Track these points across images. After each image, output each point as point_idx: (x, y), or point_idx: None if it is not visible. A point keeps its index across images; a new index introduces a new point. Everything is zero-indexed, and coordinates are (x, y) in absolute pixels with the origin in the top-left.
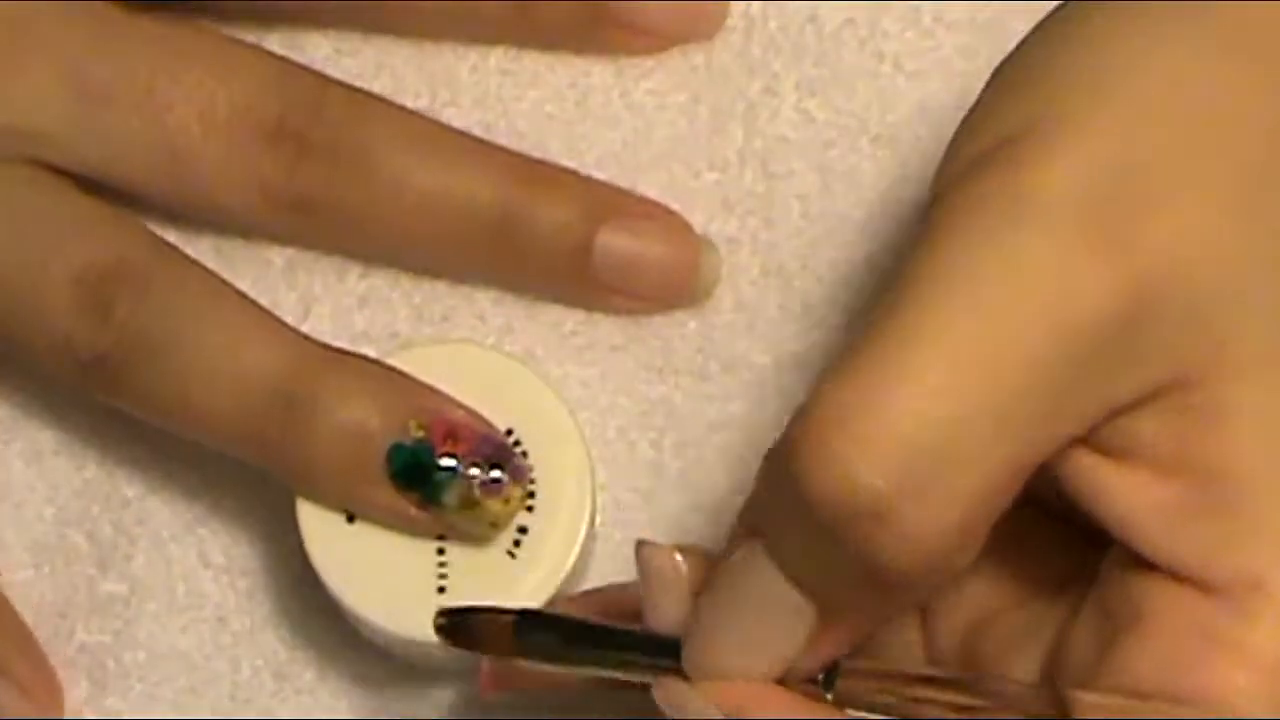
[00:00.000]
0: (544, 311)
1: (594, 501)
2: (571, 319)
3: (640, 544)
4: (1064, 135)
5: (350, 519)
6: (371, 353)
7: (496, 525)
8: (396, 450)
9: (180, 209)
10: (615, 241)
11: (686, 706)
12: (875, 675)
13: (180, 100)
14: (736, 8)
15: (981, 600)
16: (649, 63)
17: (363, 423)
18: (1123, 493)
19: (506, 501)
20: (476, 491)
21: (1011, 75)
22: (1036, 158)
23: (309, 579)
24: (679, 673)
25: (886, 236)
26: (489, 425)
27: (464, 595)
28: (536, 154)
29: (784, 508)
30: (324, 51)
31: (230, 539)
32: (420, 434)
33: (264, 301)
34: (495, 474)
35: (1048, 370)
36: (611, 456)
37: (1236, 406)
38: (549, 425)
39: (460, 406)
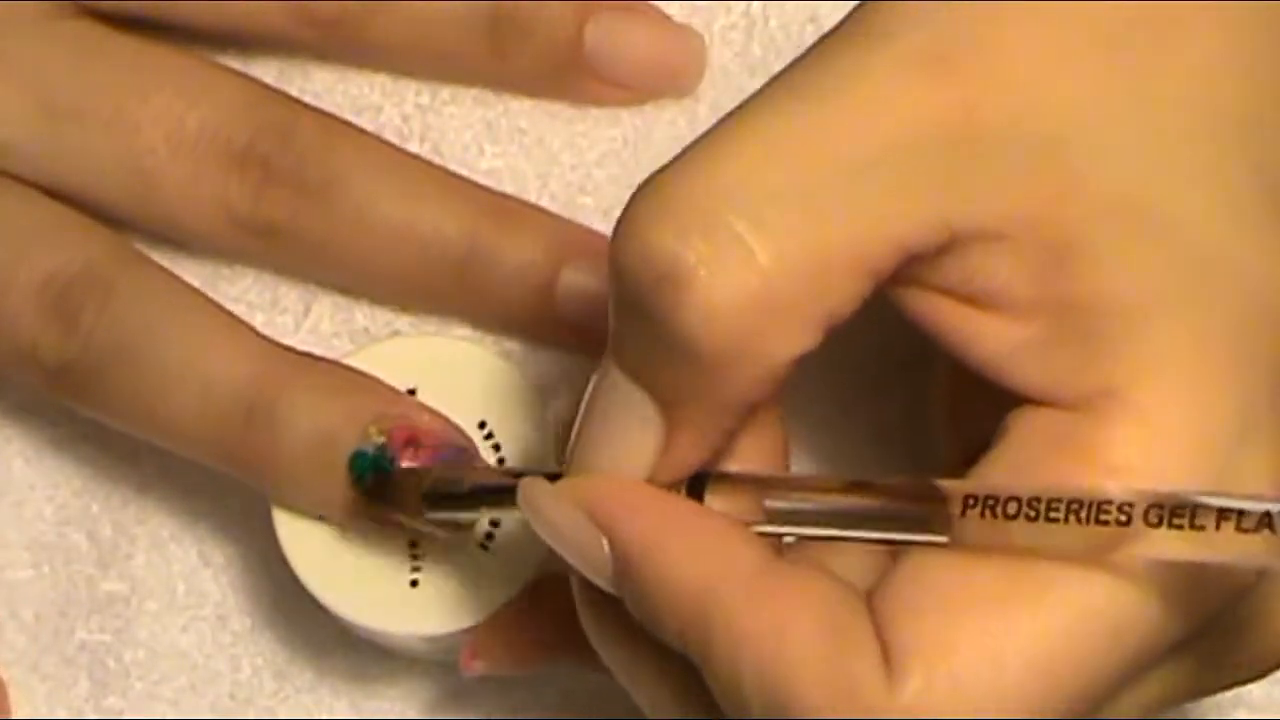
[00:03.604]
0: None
1: None
2: None
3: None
4: None
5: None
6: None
7: (460, 528)
8: (357, 457)
9: (146, 229)
10: (578, 280)
11: (546, 506)
12: (746, 480)
13: (148, 121)
14: (736, 7)
15: None
16: None
17: (325, 430)
18: (987, 335)
19: None
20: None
21: None
22: (885, 3)
23: None
24: None
25: None
26: (452, 429)
27: (437, 587)
28: (536, 152)
29: (612, 300)
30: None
31: (230, 538)
32: (381, 439)
33: (265, 298)
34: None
35: (864, 166)
36: None
37: (1088, 245)
38: (522, 417)
39: (424, 410)
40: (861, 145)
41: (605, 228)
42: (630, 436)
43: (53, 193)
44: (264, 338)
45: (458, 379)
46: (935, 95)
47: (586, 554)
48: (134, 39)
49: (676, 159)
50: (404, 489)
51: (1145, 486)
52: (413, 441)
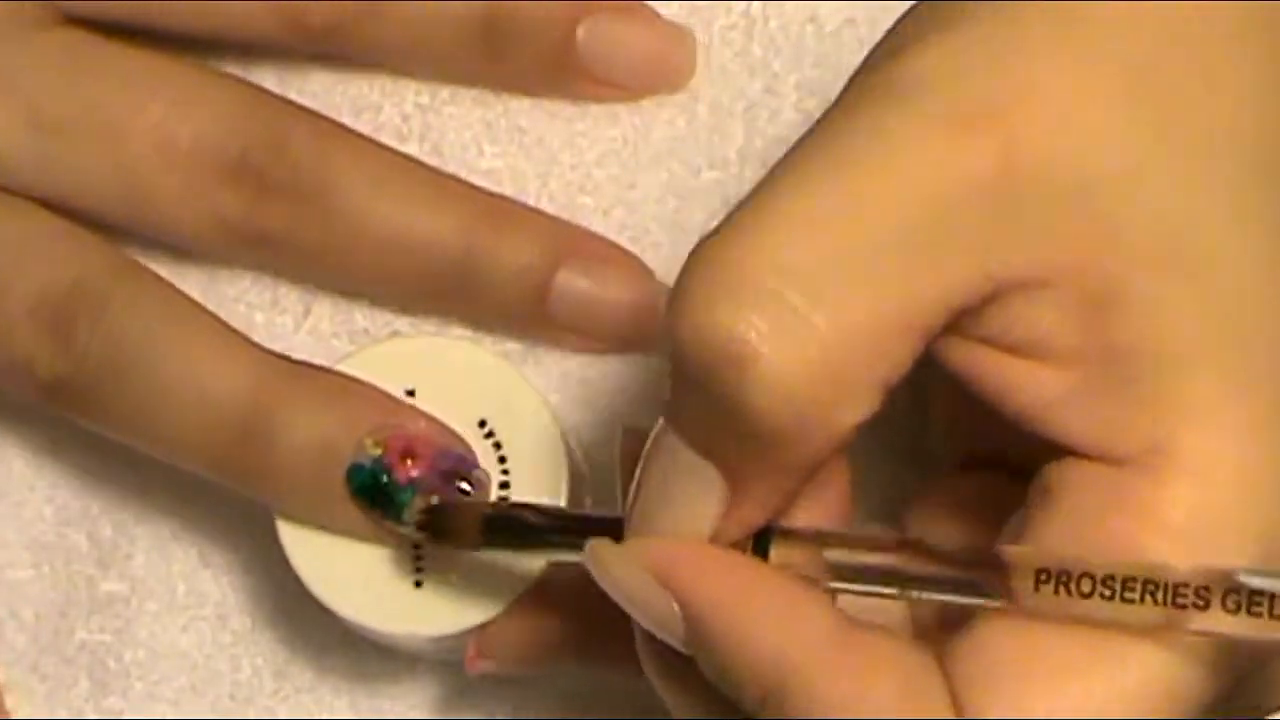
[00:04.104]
0: None
1: (575, 489)
2: None
3: (625, 429)
4: (946, 28)
5: None
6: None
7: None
8: (355, 470)
9: (141, 236)
10: (574, 283)
11: (615, 568)
12: (810, 537)
13: (139, 135)
14: (736, 8)
15: None
16: None
17: (321, 444)
18: (1029, 385)
19: None
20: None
21: None
22: (914, 47)
23: None
24: None
25: None
26: (449, 435)
27: (441, 587)
28: (536, 152)
29: (671, 372)
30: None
31: (231, 538)
32: (377, 451)
33: (264, 298)
34: (457, 488)
35: (910, 228)
36: (610, 456)
37: (1134, 293)
38: (524, 416)
39: (421, 416)
40: (906, 208)
41: (605, 228)
42: (693, 499)
43: (45, 204)
44: (258, 347)
45: (457, 379)
46: (974, 151)
47: (658, 617)
48: (123, 47)
49: (723, 228)
50: (463, 522)
51: (1207, 555)
52: (409, 452)
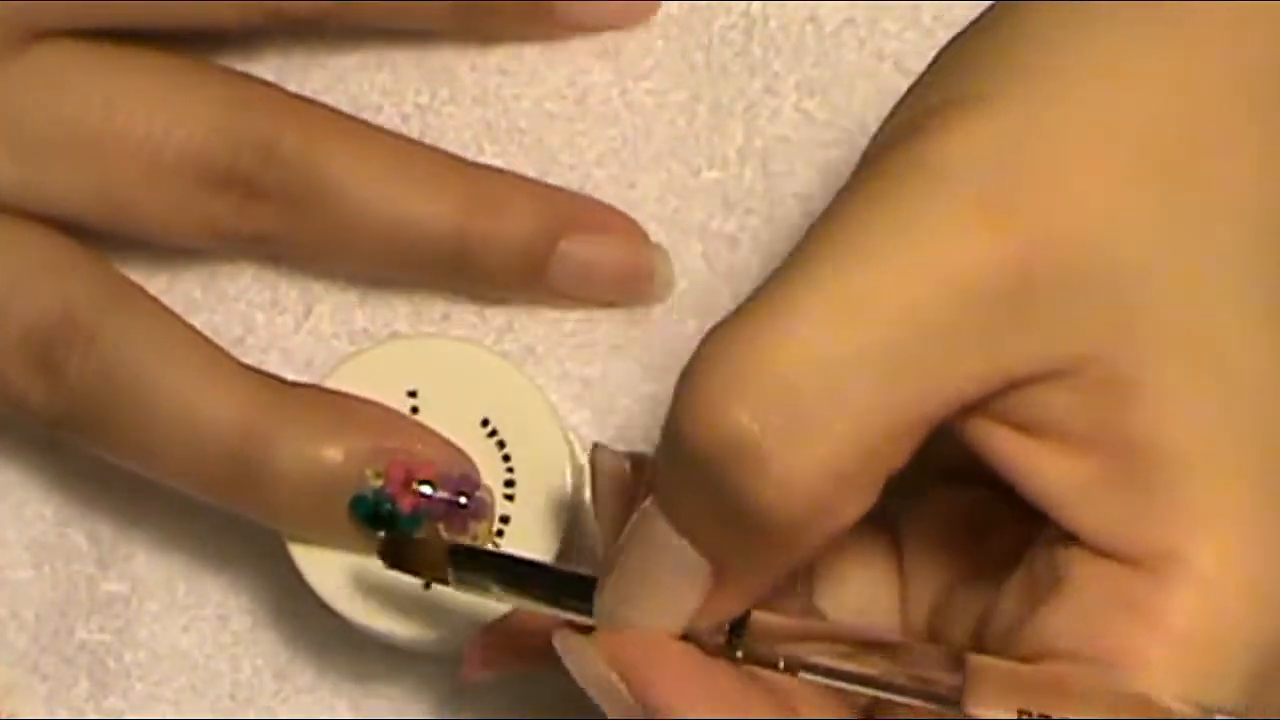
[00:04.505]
0: (544, 310)
1: (578, 486)
2: (571, 318)
3: (595, 447)
4: (969, 109)
5: None
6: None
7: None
8: (358, 501)
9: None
10: (572, 255)
11: (581, 662)
12: (781, 632)
13: (124, 156)
14: (736, 8)
15: (945, 576)
16: (648, 61)
17: (321, 480)
18: (1041, 468)
19: (474, 538)
20: (442, 534)
21: (944, 58)
22: (940, 128)
23: None
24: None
25: None
26: (452, 453)
27: (449, 590)
28: (536, 152)
29: (669, 458)
30: (323, 48)
31: (231, 538)
32: (379, 483)
33: (265, 298)
34: (459, 507)
35: (929, 325)
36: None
37: (1148, 384)
38: (526, 414)
39: (422, 434)
40: (926, 304)
41: None
42: (673, 589)
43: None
44: (251, 372)
45: (458, 379)
46: (996, 245)
47: (623, 710)
48: (101, 58)
49: (736, 321)
50: (427, 557)
51: (1209, 664)
52: (411, 479)
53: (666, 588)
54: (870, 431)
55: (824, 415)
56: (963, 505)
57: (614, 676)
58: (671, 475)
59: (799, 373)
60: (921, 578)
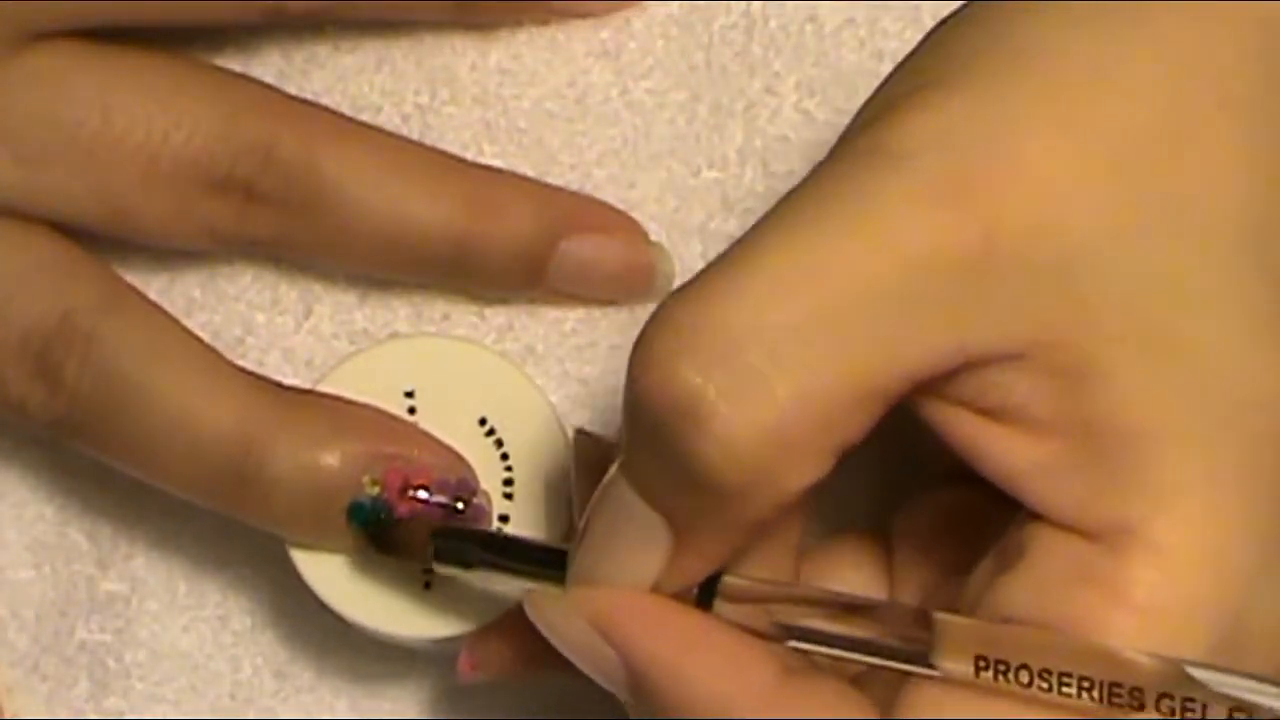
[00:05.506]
0: (544, 310)
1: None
2: (571, 317)
3: (578, 431)
4: (930, 94)
5: None
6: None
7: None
8: (355, 509)
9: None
10: (572, 255)
11: (556, 621)
12: (754, 595)
13: (121, 162)
14: (736, 8)
15: (933, 574)
16: (648, 61)
17: (318, 488)
18: (1003, 450)
19: None
20: None
21: (914, 52)
22: (903, 111)
23: None
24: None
25: None
26: (450, 457)
27: (449, 588)
28: (536, 152)
29: (627, 419)
30: (324, 48)
31: (231, 538)
32: (375, 490)
33: (265, 298)
34: (457, 513)
35: (882, 296)
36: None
37: (1107, 369)
38: (525, 413)
39: (419, 439)
40: (878, 276)
41: None
42: (638, 550)
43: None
44: (249, 377)
45: (457, 378)
46: (953, 224)
47: (600, 667)
48: (98, 61)
49: (692, 285)
50: (410, 539)
51: (1169, 635)
52: (408, 485)
53: (629, 550)
54: (817, 397)
55: (769, 376)
56: (952, 504)
57: (592, 632)
58: (629, 436)
59: (747, 334)
60: (910, 575)
